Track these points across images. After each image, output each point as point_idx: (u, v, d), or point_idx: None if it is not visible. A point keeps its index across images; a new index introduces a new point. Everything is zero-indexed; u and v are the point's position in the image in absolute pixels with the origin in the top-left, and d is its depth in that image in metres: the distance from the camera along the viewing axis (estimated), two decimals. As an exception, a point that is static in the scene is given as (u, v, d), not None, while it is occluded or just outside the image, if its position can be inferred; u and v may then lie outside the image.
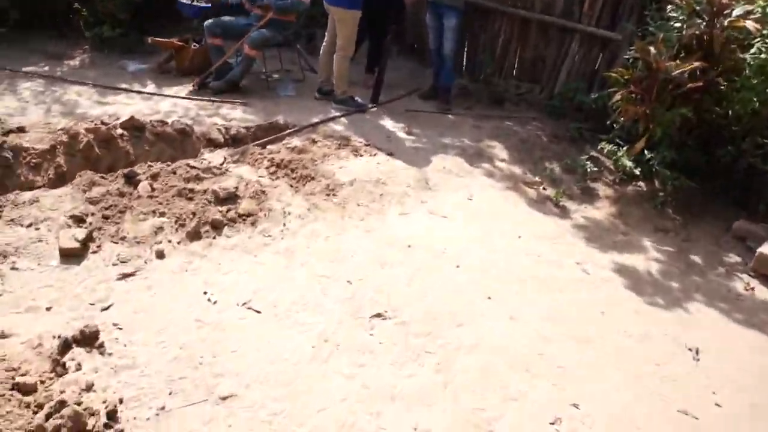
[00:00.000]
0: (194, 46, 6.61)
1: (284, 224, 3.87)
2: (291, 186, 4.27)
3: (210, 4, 6.68)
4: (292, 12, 6.18)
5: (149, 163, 4.15)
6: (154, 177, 3.97)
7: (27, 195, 3.75)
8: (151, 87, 6.18)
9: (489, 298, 3.53)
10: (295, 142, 4.98)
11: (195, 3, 6.68)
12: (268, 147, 4.85)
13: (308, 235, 3.81)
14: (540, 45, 6.56)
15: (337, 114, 5.80)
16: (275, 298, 3.25)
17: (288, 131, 5.26)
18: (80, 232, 3.42)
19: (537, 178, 5.09)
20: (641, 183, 5.18)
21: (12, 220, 3.55)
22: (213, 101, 5.87)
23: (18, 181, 4.27)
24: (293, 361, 2.87)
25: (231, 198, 3.92)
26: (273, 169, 4.39)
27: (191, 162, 4.17)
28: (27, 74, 6.25)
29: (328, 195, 4.25)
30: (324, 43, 6.11)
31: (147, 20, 7.37)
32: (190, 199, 3.87)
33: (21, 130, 4.69)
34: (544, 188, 4.99)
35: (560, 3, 6.21)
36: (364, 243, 3.84)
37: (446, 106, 6.34)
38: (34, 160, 4.36)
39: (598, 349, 3.26)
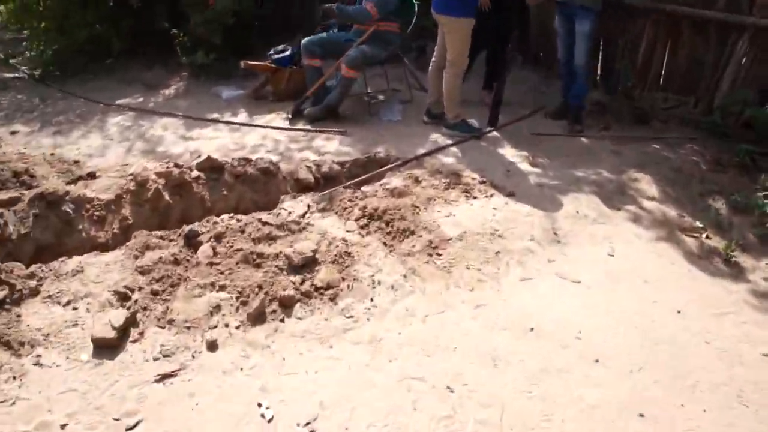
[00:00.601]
0: (291, 68, 5.97)
1: (371, 299, 3.03)
2: (385, 244, 3.43)
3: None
4: (394, 17, 5.36)
5: (215, 219, 3.47)
6: (218, 238, 3.28)
7: (71, 263, 3.18)
8: (242, 116, 5.61)
9: (642, 415, 2.49)
10: (395, 181, 4.14)
11: (283, 54, 6.06)
12: (363, 188, 4.04)
13: (401, 315, 2.95)
14: (694, 48, 5.31)
15: (448, 143, 4.90)
16: (348, 417, 2.41)
17: (388, 167, 4.43)
18: (119, 316, 2.77)
19: (698, 223, 3.91)
20: None
21: (50, 296, 2.98)
22: (307, 131, 5.18)
23: (78, 238, 3.75)
24: None
25: (308, 264, 3.15)
26: (364, 221, 3.57)
27: (263, 216, 3.44)
28: (120, 107, 5.89)
29: (430, 255, 3.37)
30: (433, 59, 5.24)
31: (243, 43, 6.88)
32: (258, 266, 3.14)
33: (91, 176, 4.21)
34: (707, 237, 3.81)
35: (723, -7, 4.97)
36: (473, 326, 2.92)
37: (578, 126, 5.25)
38: (97, 213, 3.83)
39: None
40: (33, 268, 3.12)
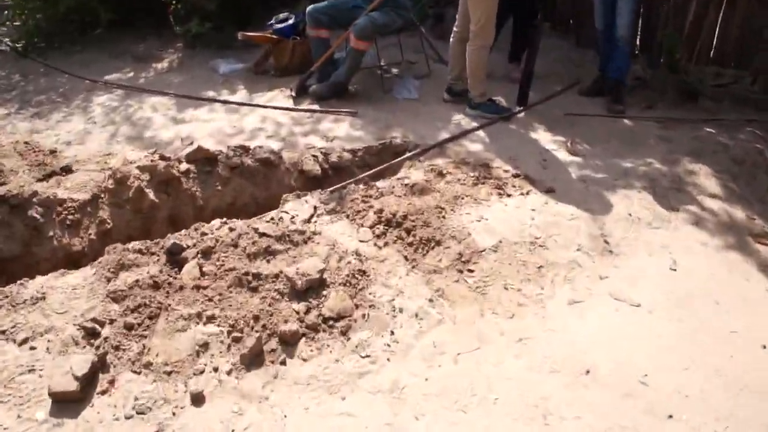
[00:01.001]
0: (294, 39, 5.36)
1: (391, 332, 2.50)
2: (406, 258, 2.88)
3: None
4: None
5: (203, 228, 2.92)
6: (207, 253, 2.74)
7: (32, 287, 2.66)
8: (240, 94, 5.03)
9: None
10: (415, 174, 3.57)
11: (286, 23, 5.42)
12: (378, 184, 3.48)
13: (427, 354, 2.42)
14: (751, 13, 4.66)
15: (473, 126, 4.31)
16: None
17: (405, 156, 3.87)
18: (84, 362, 2.25)
19: (770, 226, 3.35)
20: None
21: (2, 332, 2.47)
22: (312, 112, 4.60)
23: (49, 247, 3.24)
24: None
25: (314, 288, 2.61)
26: (381, 228, 3.02)
27: (261, 226, 2.89)
28: (107, 84, 5.32)
29: (459, 272, 2.83)
30: (455, 29, 4.62)
31: (241, 11, 6.25)
32: (254, 290, 2.60)
33: (66, 170, 3.68)
34: (785, 243, 3.24)
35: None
36: (515, 367, 2.39)
37: (619, 106, 4.63)
38: (71, 217, 3.31)
39: None
40: (-17, 294, 2.60)
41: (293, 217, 3.07)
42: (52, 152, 4.02)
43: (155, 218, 3.47)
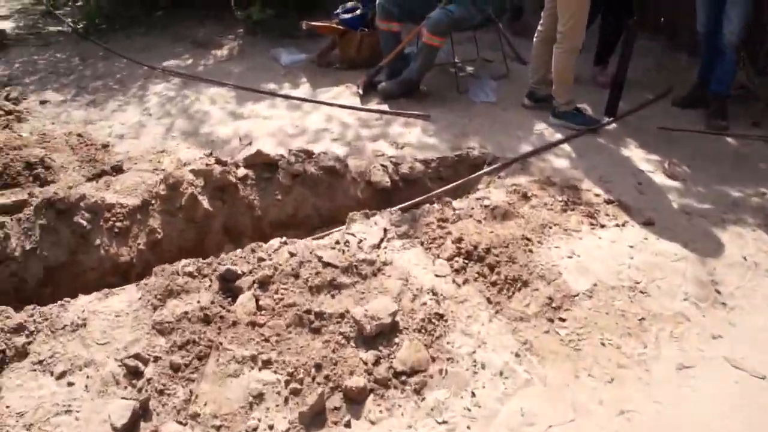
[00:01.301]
0: (362, 30, 5.01)
1: (472, 393, 2.16)
2: (488, 300, 2.52)
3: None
4: None
5: (260, 253, 2.60)
6: (264, 284, 2.44)
7: (72, 311, 2.40)
8: (303, 88, 4.73)
9: None
10: (496, 194, 3.20)
11: (354, 13, 5.08)
12: (455, 203, 3.12)
13: (514, 424, 2.07)
14: None
15: (557, 138, 3.90)
16: None
17: (484, 171, 3.50)
18: (124, 410, 1.99)
19: None
20: None
21: (40, 362, 2.22)
22: (382, 113, 4.25)
23: (96, 256, 3.00)
24: None
25: (384, 334, 2.28)
26: (460, 261, 2.66)
27: (325, 254, 2.56)
28: (165, 71, 5.08)
29: (550, 321, 2.46)
30: (539, 28, 4.19)
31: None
32: (316, 332, 2.29)
33: (117, 170, 3.43)
34: None
35: None
36: (620, 451, 2.02)
37: (722, 122, 4.12)
38: (119, 224, 3.05)
39: None
40: (23, 316, 2.36)
41: (361, 242, 2.75)
42: (105, 146, 3.81)
43: (209, 228, 3.20)
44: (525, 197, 3.19)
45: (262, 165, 3.41)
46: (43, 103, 4.56)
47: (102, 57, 5.57)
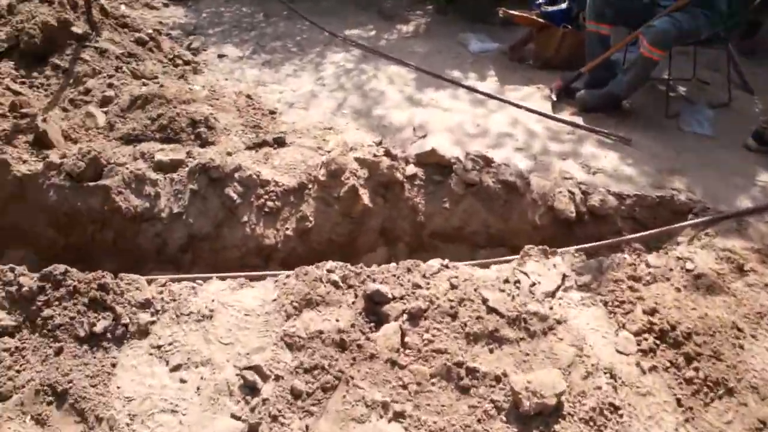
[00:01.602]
0: (565, 27, 4.43)
1: None
2: (678, 402, 1.96)
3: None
4: None
5: (417, 278, 2.21)
6: (415, 317, 2.05)
7: (202, 296, 2.17)
8: (490, 82, 4.27)
9: None
10: (702, 258, 2.57)
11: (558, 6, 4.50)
12: (650, 258, 2.55)
13: None
14: None
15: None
16: None
17: (688, 223, 2.86)
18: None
19: None
20: None
21: (158, 347, 2.00)
22: (576, 126, 3.69)
23: (241, 233, 2.77)
24: None
25: (544, 414, 1.82)
26: (649, 340, 2.12)
27: (491, 296, 2.12)
28: (346, 40, 4.83)
29: (764, 451, 1.87)
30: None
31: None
32: (465, 391, 1.87)
33: (279, 142, 3.19)
34: None
35: None
36: None
37: None
38: (270, 204, 2.80)
39: None
40: (152, 291, 2.16)
41: (533, 285, 2.28)
42: (272, 113, 3.60)
43: (365, 226, 2.87)
44: (739, 269, 2.52)
45: (435, 166, 3.02)
46: (221, 56, 4.49)
47: (285, 17, 5.45)
